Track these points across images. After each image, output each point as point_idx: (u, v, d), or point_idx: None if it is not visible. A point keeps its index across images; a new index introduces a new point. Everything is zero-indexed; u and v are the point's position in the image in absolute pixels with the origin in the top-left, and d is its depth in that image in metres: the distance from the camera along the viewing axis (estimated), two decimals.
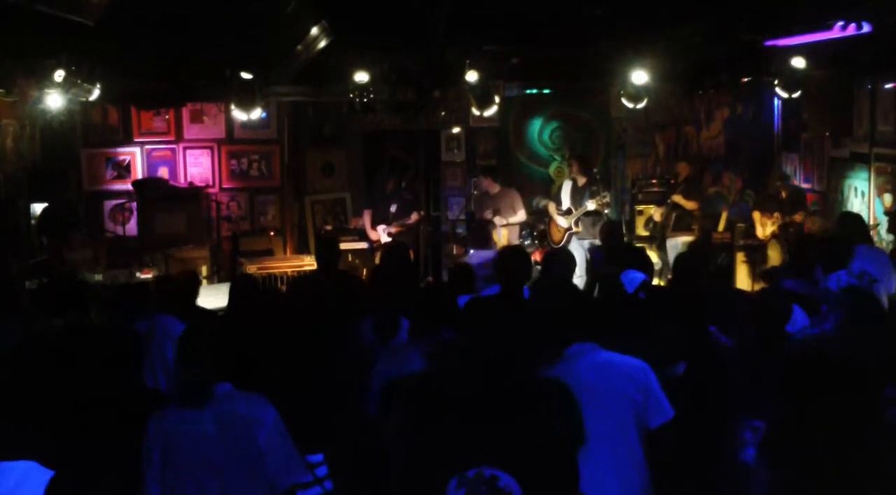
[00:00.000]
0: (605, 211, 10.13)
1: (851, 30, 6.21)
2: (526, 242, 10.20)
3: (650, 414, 3.63)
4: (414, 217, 10.22)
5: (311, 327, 4.85)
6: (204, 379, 3.59)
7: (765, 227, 9.41)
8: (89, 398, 3.73)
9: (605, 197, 10.03)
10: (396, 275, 6.36)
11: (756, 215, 9.56)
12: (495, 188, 10.27)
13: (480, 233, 10.21)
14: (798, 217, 9.21)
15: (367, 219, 10.35)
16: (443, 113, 10.91)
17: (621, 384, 3.62)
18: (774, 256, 9.18)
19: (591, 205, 9.82)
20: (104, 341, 4.06)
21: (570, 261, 6.09)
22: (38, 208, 9.71)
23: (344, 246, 10.45)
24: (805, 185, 9.86)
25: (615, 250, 7.26)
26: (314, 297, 6.02)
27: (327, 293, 5.98)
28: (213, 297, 6.97)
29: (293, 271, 9.35)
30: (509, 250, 6.33)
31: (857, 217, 7.20)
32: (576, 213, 9.90)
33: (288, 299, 6.65)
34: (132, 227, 10.78)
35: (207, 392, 3.57)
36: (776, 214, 9.23)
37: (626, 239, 10.71)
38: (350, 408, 4.27)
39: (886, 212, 8.14)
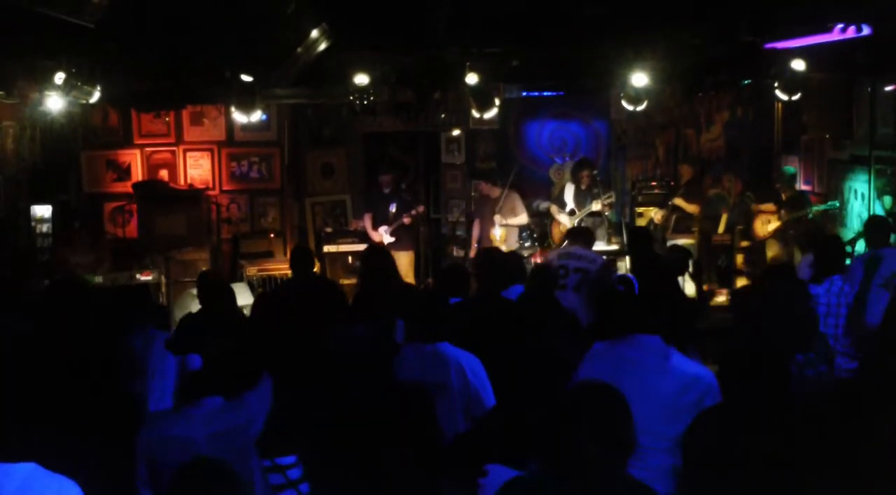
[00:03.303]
0: (607, 213, 10.13)
1: (851, 32, 6.21)
2: (526, 244, 10.18)
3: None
4: (414, 212, 10.20)
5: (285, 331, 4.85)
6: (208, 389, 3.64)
7: (765, 225, 9.38)
8: (80, 401, 3.73)
9: (609, 197, 10.03)
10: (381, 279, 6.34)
11: (755, 208, 9.53)
12: (495, 192, 10.24)
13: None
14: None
15: (367, 222, 10.35)
16: (443, 115, 10.90)
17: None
18: (773, 257, 9.17)
19: (595, 206, 9.83)
20: (93, 345, 4.06)
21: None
22: (38, 210, 9.71)
23: (344, 248, 10.50)
24: (805, 187, 9.86)
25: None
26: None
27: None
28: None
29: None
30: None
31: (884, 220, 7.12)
32: (579, 214, 9.90)
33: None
34: (132, 230, 10.77)
35: (202, 404, 3.62)
36: (782, 211, 9.20)
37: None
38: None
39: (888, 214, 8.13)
